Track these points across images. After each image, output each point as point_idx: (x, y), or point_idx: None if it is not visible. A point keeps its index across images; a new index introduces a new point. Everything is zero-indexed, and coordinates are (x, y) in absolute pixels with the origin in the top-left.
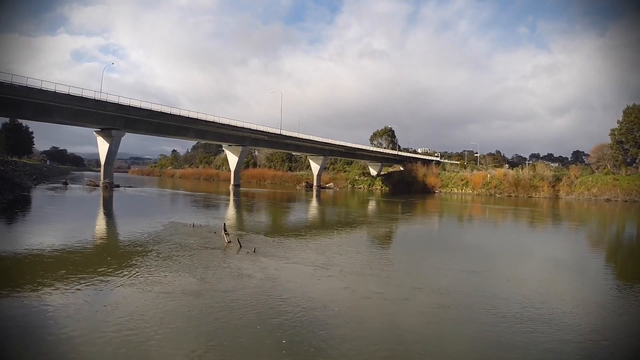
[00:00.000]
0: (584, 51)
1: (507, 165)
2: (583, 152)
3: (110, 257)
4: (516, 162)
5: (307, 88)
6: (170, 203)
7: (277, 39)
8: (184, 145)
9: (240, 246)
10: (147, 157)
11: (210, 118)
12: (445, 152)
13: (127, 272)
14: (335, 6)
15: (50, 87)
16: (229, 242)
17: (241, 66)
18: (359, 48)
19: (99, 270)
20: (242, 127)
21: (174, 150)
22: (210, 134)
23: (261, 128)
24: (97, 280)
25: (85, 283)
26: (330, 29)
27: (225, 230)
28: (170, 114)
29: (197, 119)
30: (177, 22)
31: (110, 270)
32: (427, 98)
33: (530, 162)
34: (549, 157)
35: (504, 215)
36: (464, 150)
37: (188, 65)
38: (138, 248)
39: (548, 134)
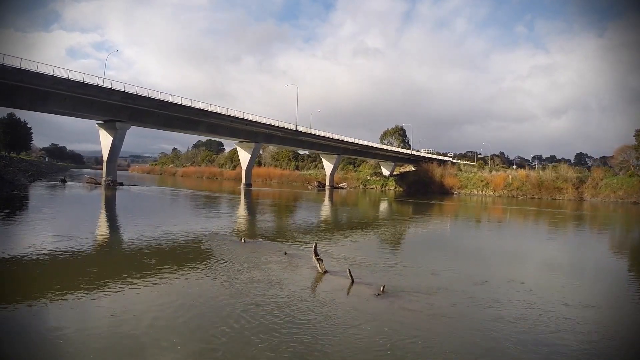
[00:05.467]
0: (581, 51)
1: (514, 166)
2: (586, 154)
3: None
4: (519, 163)
5: (303, 86)
6: (185, 205)
7: (271, 36)
8: (184, 144)
9: (353, 281)
10: (147, 155)
11: (223, 111)
12: (448, 152)
13: None
14: (330, 3)
15: (48, 71)
16: (325, 271)
17: (235, 64)
18: (353, 46)
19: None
20: (257, 122)
21: (174, 149)
22: (222, 129)
23: (277, 123)
24: None
25: None
26: (325, 27)
27: (316, 253)
28: (181, 105)
29: (209, 112)
30: (170, 18)
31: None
32: (424, 98)
33: (534, 164)
34: (552, 159)
35: (551, 221)
36: (467, 151)
37: (182, 63)
38: (193, 295)
39: (546, 136)
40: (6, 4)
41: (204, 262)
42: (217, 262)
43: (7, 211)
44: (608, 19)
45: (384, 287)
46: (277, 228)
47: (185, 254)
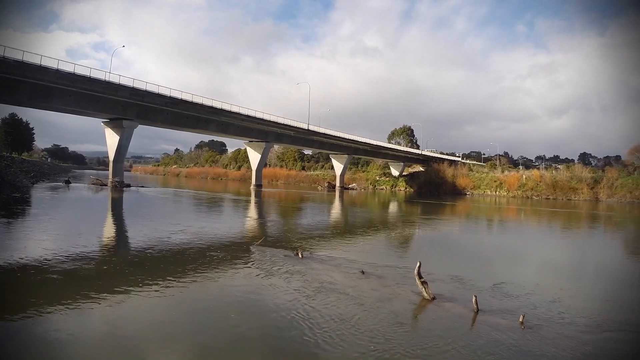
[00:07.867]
0: (582, 50)
1: (520, 166)
2: (590, 154)
3: None
4: (525, 164)
5: (303, 86)
6: (201, 209)
7: (268, 36)
8: (185, 144)
9: (477, 309)
10: (149, 155)
11: (235, 109)
12: (456, 153)
13: None
14: (329, 2)
15: (52, 65)
16: (433, 298)
17: (234, 64)
18: (351, 46)
19: None
20: (269, 121)
21: (177, 149)
22: (233, 128)
23: (289, 122)
24: None
25: None
26: (324, 26)
27: (420, 275)
28: (192, 103)
29: (221, 109)
30: (168, 18)
31: None
32: (423, 97)
33: (537, 164)
34: (555, 159)
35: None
36: (472, 151)
37: (181, 63)
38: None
39: (547, 136)
40: (5, 3)
41: (276, 287)
42: (296, 290)
43: (7, 219)
44: (609, 18)
45: (523, 318)
46: (319, 236)
47: (248, 273)
